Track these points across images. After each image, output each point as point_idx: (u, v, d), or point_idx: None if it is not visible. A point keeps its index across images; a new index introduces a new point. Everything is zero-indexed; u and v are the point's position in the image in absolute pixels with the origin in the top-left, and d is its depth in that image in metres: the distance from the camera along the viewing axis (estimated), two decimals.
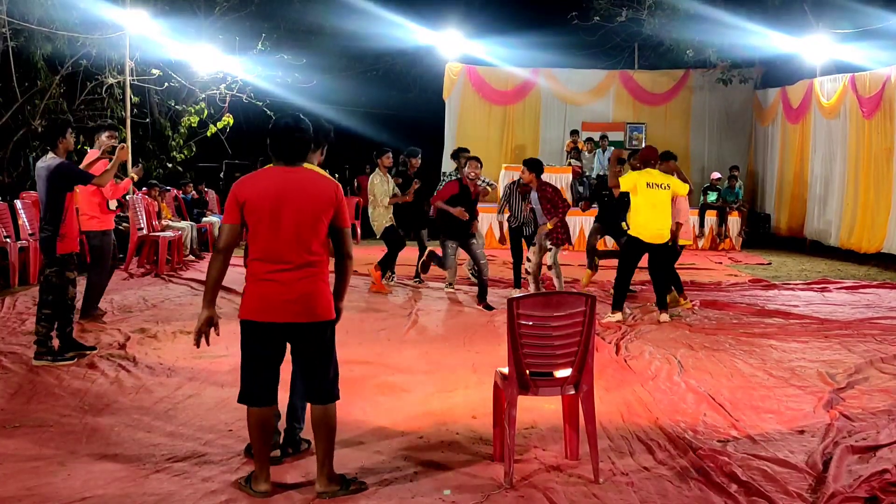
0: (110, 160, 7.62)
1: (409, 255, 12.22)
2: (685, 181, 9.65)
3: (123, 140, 8.10)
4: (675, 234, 9.40)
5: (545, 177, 10.33)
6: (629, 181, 9.09)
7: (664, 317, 9.11)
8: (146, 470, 4.48)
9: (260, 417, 4.18)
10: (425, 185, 11.51)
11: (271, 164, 4.27)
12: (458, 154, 11.21)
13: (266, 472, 4.21)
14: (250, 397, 4.19)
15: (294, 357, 4.26)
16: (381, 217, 10.86)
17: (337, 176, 18.82)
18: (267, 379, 4.18)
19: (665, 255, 9.27)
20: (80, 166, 7.57)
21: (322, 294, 4.15)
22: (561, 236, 9.91)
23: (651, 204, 8.93)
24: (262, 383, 4.17)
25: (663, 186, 9.00)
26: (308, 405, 4.35)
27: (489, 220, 15.03)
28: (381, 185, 10.84)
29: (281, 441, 4.68)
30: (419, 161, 11.64)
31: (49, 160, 6.84)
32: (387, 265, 11.08)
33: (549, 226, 9.79)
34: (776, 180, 18.98)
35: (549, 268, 10.14)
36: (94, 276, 8.50)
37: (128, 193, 11.43)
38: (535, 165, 9.93)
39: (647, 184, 8.96)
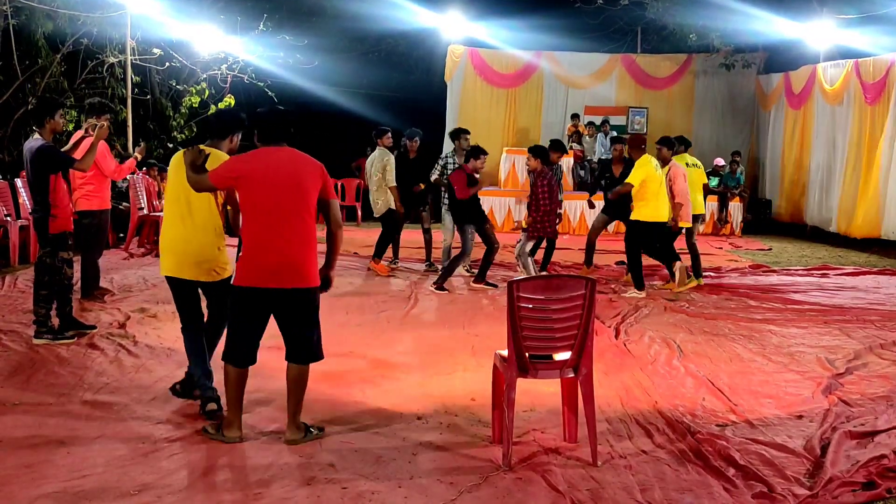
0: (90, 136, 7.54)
1: (412, 237, 12.24)
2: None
3: (105, 118, 8.00)
4: (676, 215, 9.71)
5: None
6: (640, 175, 9.29)
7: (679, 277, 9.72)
8: (145, 448, 4.49)
9: (239, 375, 4.59)
10: (426, 166, 11.31)
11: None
12: (458, 134, 10.81)
13: (239, 420, 4.60)
14: (235, 358, 4.59)
15: (279, 321, 4.60)
16: (388, 198, 10.60)
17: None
18: (253, 341, 4.60)
19: (664, 236, 9.56)
20: (66, 147, 7.52)
21: (309, 262, 4.54)
22: (548, 229, 9.71)
23: (661, 183, 9.38)
24: (248, 345, 4.59)
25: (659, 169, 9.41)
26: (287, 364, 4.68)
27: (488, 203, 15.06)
28: (390, 164, 10.62)
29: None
30: (418, 143, 11.17)
31: (33, 141, 6.69)
32: (382, 249, 10.92)
33: (523, 223, 10.01)
34: (778, 166, 18.90)
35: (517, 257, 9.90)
36: (90, 255, 8.48)
37: (133, 173, 11.37)
38: (540, 152, 9.77)
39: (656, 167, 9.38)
